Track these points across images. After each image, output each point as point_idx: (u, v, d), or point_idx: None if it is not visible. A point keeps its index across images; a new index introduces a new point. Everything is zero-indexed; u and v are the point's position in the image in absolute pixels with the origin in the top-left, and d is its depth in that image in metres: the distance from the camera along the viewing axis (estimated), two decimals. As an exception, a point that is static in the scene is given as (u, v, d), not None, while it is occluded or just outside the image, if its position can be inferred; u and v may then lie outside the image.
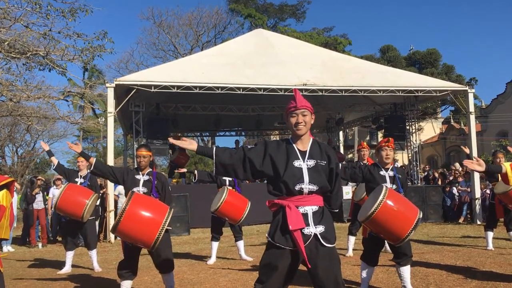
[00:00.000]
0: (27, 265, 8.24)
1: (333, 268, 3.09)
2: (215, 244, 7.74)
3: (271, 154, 3.17)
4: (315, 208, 3.13)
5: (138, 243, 4.61)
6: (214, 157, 3.15)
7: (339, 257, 3.19)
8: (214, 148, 3.19)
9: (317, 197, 3.16)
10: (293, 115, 3.20)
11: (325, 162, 3.22)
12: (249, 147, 3.24)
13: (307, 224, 3.07)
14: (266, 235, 3.21)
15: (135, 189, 5.03)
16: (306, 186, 3.10)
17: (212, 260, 7.64)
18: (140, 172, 5.24)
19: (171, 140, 3.54)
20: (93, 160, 5.25)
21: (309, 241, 3.06)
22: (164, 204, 4.82)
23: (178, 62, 15.99)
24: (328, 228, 3.13)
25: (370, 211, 4.16)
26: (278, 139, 3.44)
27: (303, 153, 3.19)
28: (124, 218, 4.35)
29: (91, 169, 5.27)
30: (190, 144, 3.19)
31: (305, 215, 3.09)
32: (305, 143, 3.24)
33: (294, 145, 3.22)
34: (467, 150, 7.03)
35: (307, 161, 3.16)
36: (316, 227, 3.08)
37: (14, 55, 12.36)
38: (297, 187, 3.10)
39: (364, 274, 5.05)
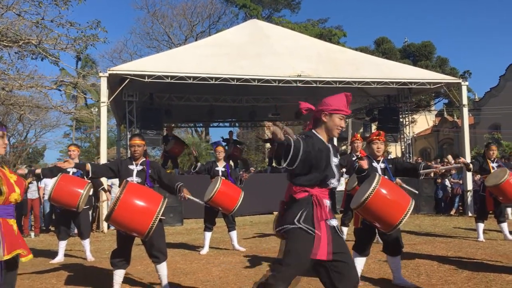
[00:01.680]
0: (20, 255, 8.21)
1: (350, 257, 3.25)
2: (208, 235, 7.76)
3: (319, 148, 3.19)
4: (329, 202, 3.27)
5: (132, 232, 4.61)
6: None
7: None
8: None
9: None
10: (341, 117, 3.29)
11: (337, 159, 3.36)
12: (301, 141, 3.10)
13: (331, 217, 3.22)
14: (295, 221, 3.11)
15: (129, 179, 5.01)
16: (334, 181, 3.25)
17: (205, 250, 7.67)
18: (133, 162, 5.22)
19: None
20: (88, 167, 5.20)
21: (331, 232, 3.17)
22: (158, 193, 4.82)
23: (172, 52, 15.91)
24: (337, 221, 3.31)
25: (363, 198, 4.19)
26: (303, 132, 3.38)
27: (334, 150, 3.32)
28: (118, 207, 4.36)
29: (90, 175, 5.22)
30: None
31: (327, 207, 3.22)
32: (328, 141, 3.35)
33: (325, 141, 3.29)
34: (450, 159, 7.06)
35: (336, 158, 3.31)
36: (332, 220, 3.22)
37: (6, 44, 12.25)
38: (328, 182, 3.22)
39: (356, 264, 5.08)
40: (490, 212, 8.30)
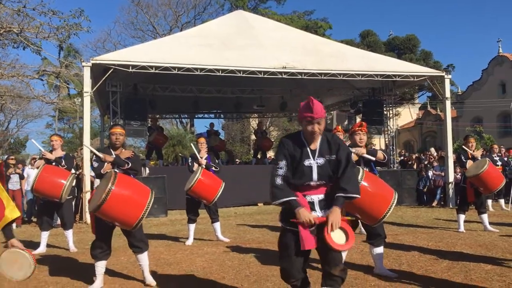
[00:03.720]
0: (0, 246, 8.12)
1: None
2: (192, 226, 7.76)
3: (291, 154, 3.38)
4: (321, 196, 3.42)
5: (119, 223, 4.61)
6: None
7: None
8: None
9: (323, 188, 3.44)
10: (309, 124, 3.34)
11: (334, 156, 3.40)
12: (280, 165, 3.36)
13: (314, 210, 3.38)
14: (279, 221, 3.51)
15: (112, 170, 4.96)
16: (315, 182, 3.39)
17: (190, 241, 7.67)
18: (114, 152, 5.17)
19: None
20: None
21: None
22: (146, 186, 4.81)
23: (156, 43, 15.76)
24: None
25: None
26: (291, 135, 3.56)
27: (313, 152, 3.40)
28: (110, 199, 4.35)
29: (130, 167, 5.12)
30: None
31: (311, 203, 3.40)
32: (316, 142, 3.42)
33: (306, 144, 3.41)
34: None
35: (317, 159, 3.38)
36: (322, 212, 3.39)
37: (-13, 32, 12.01)
38: (306, 183, 3.39)
39: None
40: (471, 203, 8.41)
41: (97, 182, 11.53)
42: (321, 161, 3.36)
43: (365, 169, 4.71)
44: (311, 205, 3.38)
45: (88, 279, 5.15)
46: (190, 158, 8.03)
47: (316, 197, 3.40)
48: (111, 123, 13.74)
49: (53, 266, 6.10)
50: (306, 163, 3.34)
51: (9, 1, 12.13)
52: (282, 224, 3.46)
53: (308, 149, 3.38)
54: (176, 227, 9.99)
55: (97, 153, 5.08)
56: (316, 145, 3.40)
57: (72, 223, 7.63)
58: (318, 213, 3.37)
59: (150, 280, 5.03)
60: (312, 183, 3.38)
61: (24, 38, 12.75)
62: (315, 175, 3.35)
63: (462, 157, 8.10)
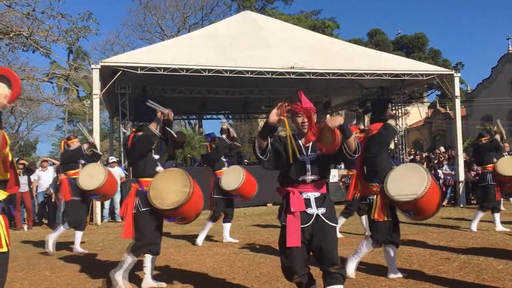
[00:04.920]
0: (13, 247, 8.17)
1: (333, 243, 3.49)
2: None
3: (285, 149, 3.53)
4: (317, 194, 3.56)
5: (184, 217, 4.75)
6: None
7: (337, 237, 3.62)
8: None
9: (319, 184, 3.57)
10: (298, 115, 3.54)
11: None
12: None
13: (310, 206, 3.50)
14: (277, 218, 3.69)
15: (157, 169, 4.99)
16: (309, 177, 3.53)
17: (200, 240, 7.63)
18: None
19: None
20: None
21: (312, 219, 3.49)
22: None
23: (164, 44, 15.81)
24: (329, 210, 3.56)
25: (416, 196, 4.44)
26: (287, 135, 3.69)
27: (306, 148, 3.59)
28: (193, 196, 4.54)
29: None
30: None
31: (307, 200, 3.52)
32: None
33: (299, 140, 3.61)
34: None
35: (310, 155, 3.56)
36: (318, 209, 3.51)
37: (-3, 35, 12.13)
38: (300, 178, 3.52)
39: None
40: (474, 201, 8.35)
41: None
42: (313, 156, 3.55)
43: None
44: (307, 202, 3.51)
45: (99, 281, 5.17)
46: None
47: (312, 194, 3.54)
48: (120, 125, 13.84)
49: (64, 267, 6.14)
50: (300, 158, 3.51)
51: (18, 4, 12.25)
52: (280, 221, 3.59)
53: (302, 145, 3.59)
54: (186, 227, 9.95)
55: (160, 107, 5.26)
56: (308, 141, 3.60)
57: (85, 225, 7.71)
58: (314, 210, 3.49)
59: (150, 283, 4.95)
60: (307, 178, 3.52)
61: (33, 41, 12.86)
62: (308, 170, 3.52)
63: (491, 144, 8.09)
